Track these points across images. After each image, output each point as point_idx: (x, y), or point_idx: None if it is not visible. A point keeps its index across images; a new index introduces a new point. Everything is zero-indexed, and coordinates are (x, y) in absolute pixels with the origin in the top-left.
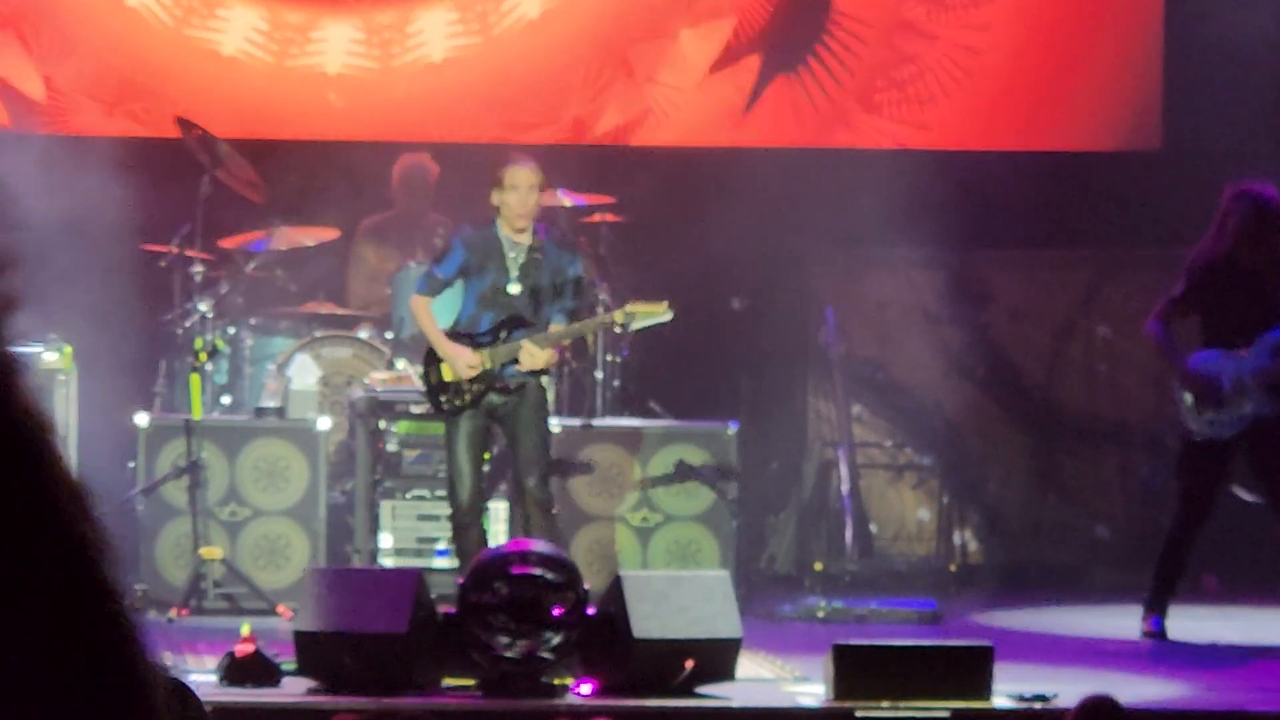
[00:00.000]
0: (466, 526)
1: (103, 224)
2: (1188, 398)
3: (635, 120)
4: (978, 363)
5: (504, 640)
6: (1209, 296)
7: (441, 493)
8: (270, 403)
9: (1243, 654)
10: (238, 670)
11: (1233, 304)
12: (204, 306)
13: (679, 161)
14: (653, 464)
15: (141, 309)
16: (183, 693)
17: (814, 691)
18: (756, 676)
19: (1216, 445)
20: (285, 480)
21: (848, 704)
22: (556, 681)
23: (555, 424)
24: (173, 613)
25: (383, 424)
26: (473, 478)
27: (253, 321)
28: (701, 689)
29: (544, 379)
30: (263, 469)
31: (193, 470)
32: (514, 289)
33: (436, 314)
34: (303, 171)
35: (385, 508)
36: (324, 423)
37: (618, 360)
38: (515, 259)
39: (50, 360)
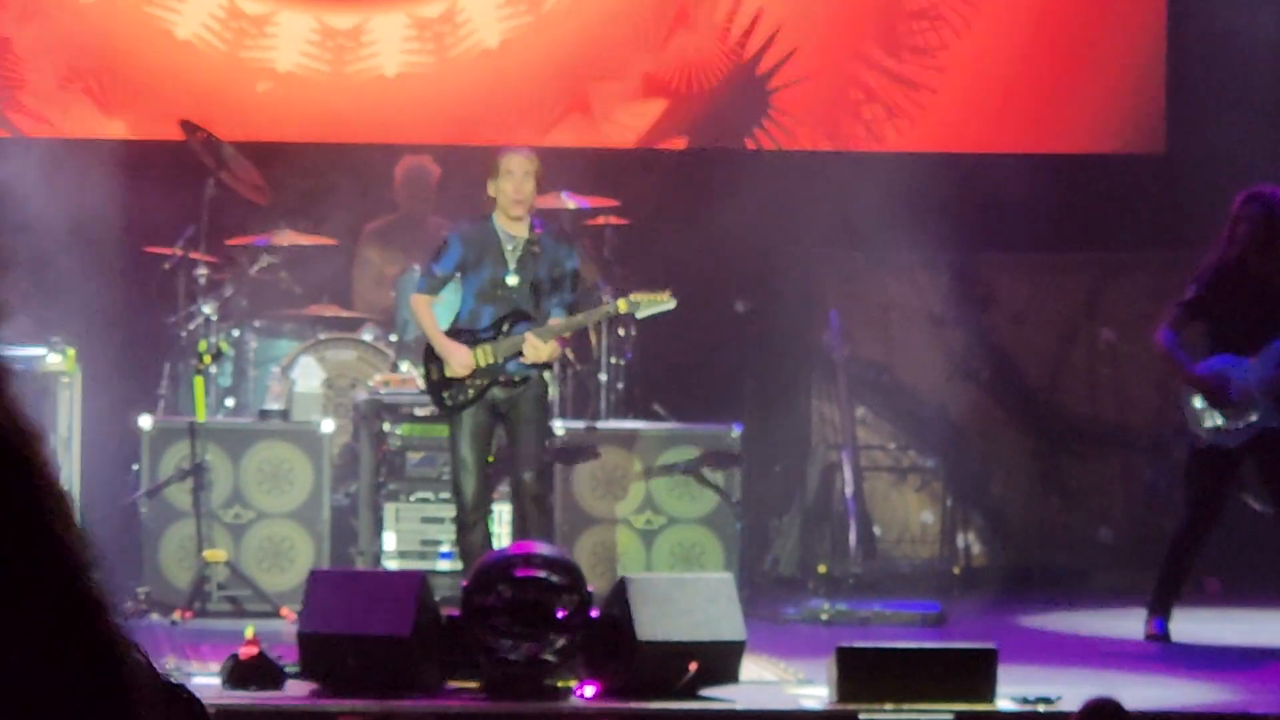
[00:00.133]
0: (471, 525)
1: (106, 227)
2: (1194, 405)
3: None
4: (981, 365)
5: (508, 643)
6: (1218, 302)
7: (445, 495)
8: (274, 405)
9: (1245, 656)
10: (241, 673)
11: (1242, 310)
12: (208, 309)
13: (682, 164)
14: (657, 474)
15: (145, 312)
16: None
17: (817, 694)
18: (760, 679)
19: (1223, 453)
20: (289, 482)
21: (851, 706)
22: (560, 684)
23: (559, 426)
24: (176, 615)
25: (386, 426)
26: (477, 474)
27: (257, 324)
28: (705, 691)
29: (546, 374)
30: (267, 471)
31: (197, 473)
32: (512, 280)
33: (439, 316)
34: (307, 174)
35: (389, 510)
36: (328, 425)
37: (622, 363)
38: (513, 251)
39: (54, 363)
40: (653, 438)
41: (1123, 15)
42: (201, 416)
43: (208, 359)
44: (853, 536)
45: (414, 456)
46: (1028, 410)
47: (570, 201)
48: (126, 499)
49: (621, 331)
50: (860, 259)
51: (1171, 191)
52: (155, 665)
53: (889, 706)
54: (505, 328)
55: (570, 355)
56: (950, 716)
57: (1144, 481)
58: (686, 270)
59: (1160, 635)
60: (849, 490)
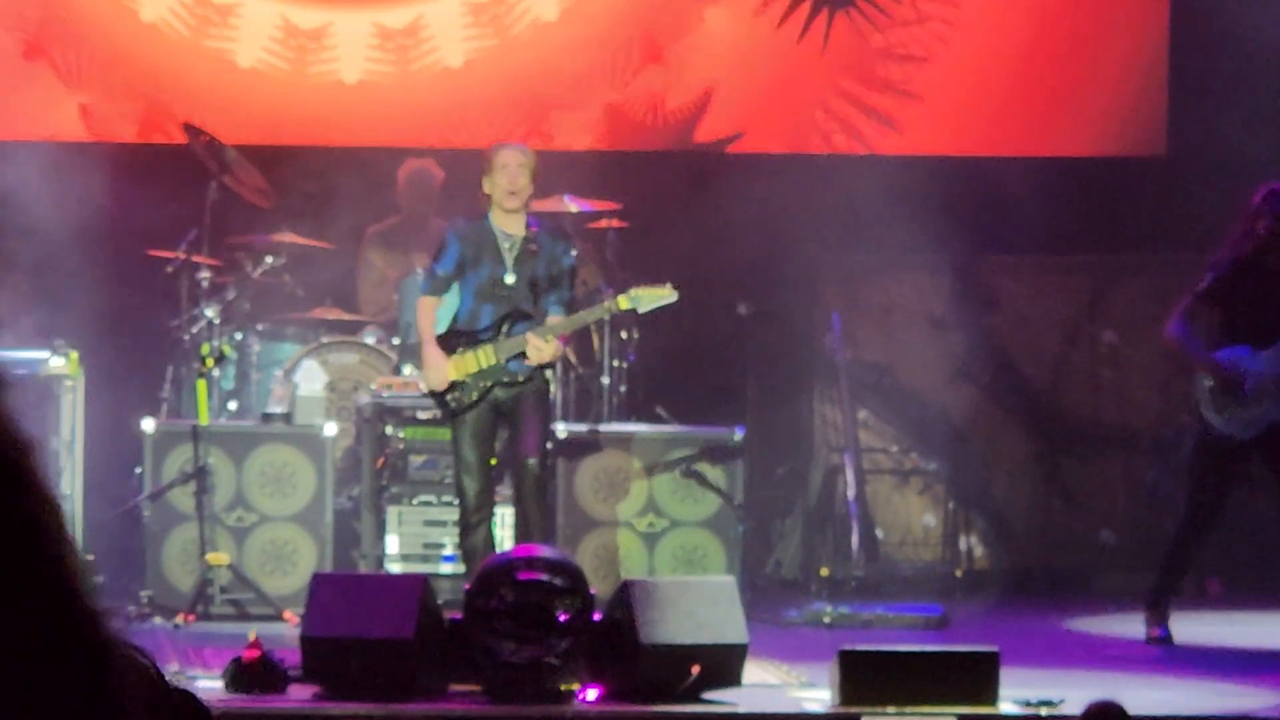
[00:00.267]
0: (473, 527)
1: (109, 230)
2: (1208, 392)
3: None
4: (983, 368)
5: (510, 646)
6: (1234, 295)
7: (448, 498)
8: (277, 408)
9: (1248, 658)
10: (244, 676)
11: (1258, 304)
12: (211, 312)
13: (684, 166)
14: (659, 469)
15: (148, 315)
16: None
17: (820, 697)
18: (763, 682)
19: (1232, 446)
20: (292, 486)
21: (854, 709)
22: (563, 687)
23: (561, 429)
24: (179, 618)
25: (389, 429)
26: (480, 475)
27: (260, 327)
28: (708, 695)
29: (548, 373)
30: (269, 475)
31: (199, 476)
32: (510, 279)
33: (440, 316)
34: (310, 177)
35: (392, 513)
36: (331, 428)
37: (624, 365)
38: (510, 250)
39: (57, 366)
40: (655, 440)
41: (1125, 18)
42: (204, 420)
43: (210, 362)
44: (855, 539)
45: (416, 460)
46: (1030, 412)
47: (572, 204)
48: (129, 502)
49: (624, 334)
50: (862, 262)
51: (1173, 194)
52: (161, 672)
53: (891, 709)
54: (505, 328)
55: (573, 358)
56: (952, 719)
57: (1146, 483)
58: (689, 273)
59: (1164, 638)
60: (851, 493)
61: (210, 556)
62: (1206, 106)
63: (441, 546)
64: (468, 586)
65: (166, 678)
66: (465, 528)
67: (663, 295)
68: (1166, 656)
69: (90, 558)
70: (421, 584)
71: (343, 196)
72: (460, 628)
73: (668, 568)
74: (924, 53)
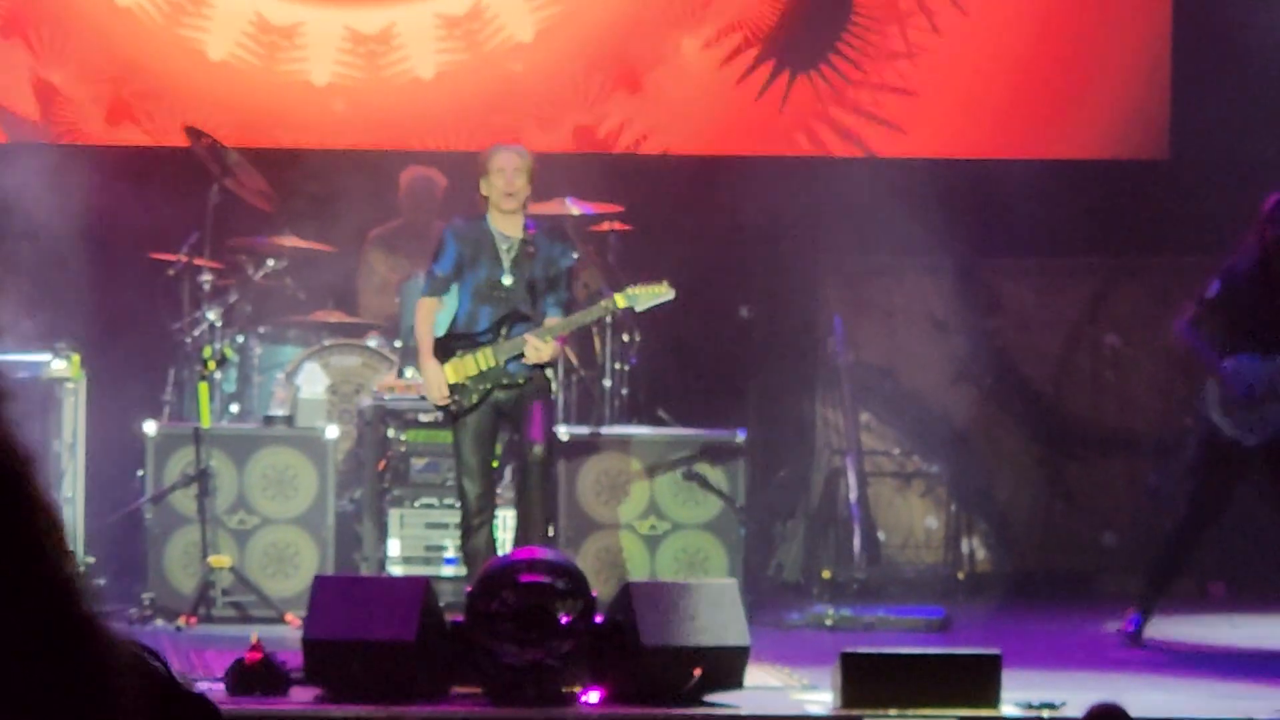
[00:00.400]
0: (475, 529)
1: (112, 233)
2: (1216, 395)
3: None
4: (985, 371)
5: (512, 648)
6: (1242, 302)
7: (450, 500)
8: (279, 411)
9: (1250, 661)
10: (246, 678)
11: (1264, 311)
12: (213, 315)
13: (686, 170)
14: (661, 472)
15: (150, 317)
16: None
17: (822, 699)
18: (764, 685)
19: (1237, 450)
20: (294, 488)
21: (856, 712)
22: (564, 689)
23: (563, 432)
24: (181, 621)
25: (391, 432)
26: (482, 476)
27: (261, 330)
28: (709, 697)
29: (549, 372)
30: (271, 477)
31: (201, 479)
32: (507, 281)
33: (440, 323)
34: (313, 180)
35: (393, 516)
36: (332, 431)
37: (626, 368)
38: (508, 251)
39: (59, 368)
40: (657, 443)
41: (1127, 21)
42: (206, 422)
43: (212, 365)
44: (857, 542)
45: (418, 462)
46: (1032, 415)
47: (574, 207)
48: (131, 505)
49: (626, 337)
50: (864, 264)
51: (1175, 197)
52: (173, 675)
53: (893, 712)
54: (504, 330)
55: (574, 361)
56: None
57: (1148, 486)
58: (691, 276)
59: (1134, 633)
60: (853, 495)
61: (212, 559)
62: (1209, 109)
63: (443, 549)
64: (469, 589)
65: (179, 681)
66: (466, 530)
67: (660, 293)
68: (1168, 659)
69: (92, 560)
70: (423, 586)
71: (345, 199)
72: (462, 630)
73: (669, 570)
74: (930, 50)
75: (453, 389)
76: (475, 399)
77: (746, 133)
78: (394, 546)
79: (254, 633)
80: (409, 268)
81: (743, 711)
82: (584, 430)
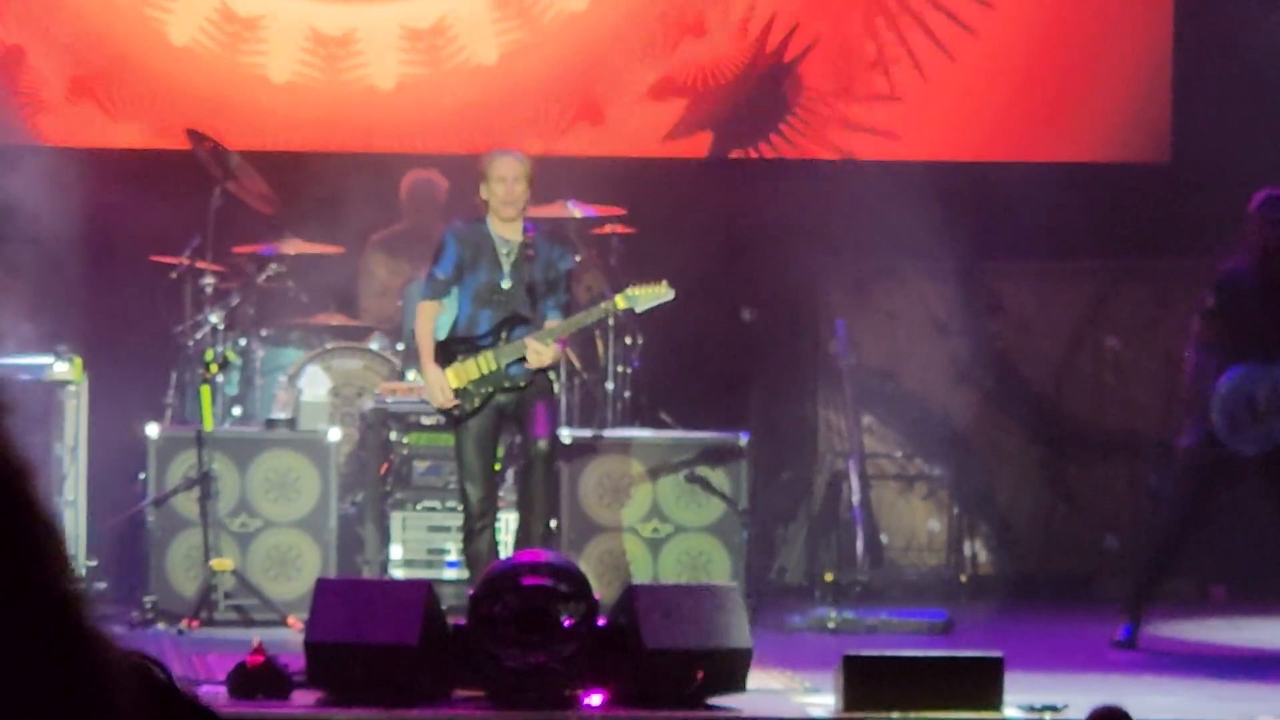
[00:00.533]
0: (477, 533)
1: (114, 236)
2: (1221, 405)
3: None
4: (987, 373)
5: (514, 651)
6: (1241, 309)
7: (452, 504)
8: (281, 414)
9: (1251, 663)
10: (248, 682)
11: (1263, 317)
12: (215, 318)
13: (689, 172)
14: (663, 475)
15: (152, 320)
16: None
17: (824, 702)
18: (767, 687)
19: (1235, 459)
20: (296, 491)
21: (858, 715)
22: (567, 692)
23: (565, 435)
24: (183, 624)
25: (393, 435)
26: (484, 480)
27: (263, 333)
28: (712, 700)
29: (550, 374)
30: (273, 480)
31: (203, 481)
32: (506, 285)
33: (441, 326)
34: (315, 183)
35: (396, 519)
36: (335, 434)
37: (628, 371)
38: (507, 255)
39: (61, 371)
40: (659, 446)
41: (1129, 24)
42: (208, 425)
43: (214, 368)
44: (859, 544)
45: (421, 465)
46: (1033, 418)
47: (577, 210)
48: (133, 508)
49: (628, 339)
50: (866, 267)
51: (1176, 200)
52: (175, 684)
53: (896, 715)
54: (504, 334)
55: (577, 364)
56: None
57: (1149, 488)
58: (693, 279)
59: (1126, 641)
60: (856, 498)
61: (214, 562)
62: (1210, 112)
63: (445, 552)
64: (472, 592)
65: (181, 691)
66: (469, 534)
67: (659, 293)
68: (1170, 661)
69: (94, 563)
70: (425, 590)
71: (347, 202)
72: (464, 633)
73: (672, 573)
74: (931, 52)
75: (455, 393)
76: (477, 403)
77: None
78: (396, 550)
79: (256, 636)
80: (410, 271)
81: (745, 714)
82: (586, 433)
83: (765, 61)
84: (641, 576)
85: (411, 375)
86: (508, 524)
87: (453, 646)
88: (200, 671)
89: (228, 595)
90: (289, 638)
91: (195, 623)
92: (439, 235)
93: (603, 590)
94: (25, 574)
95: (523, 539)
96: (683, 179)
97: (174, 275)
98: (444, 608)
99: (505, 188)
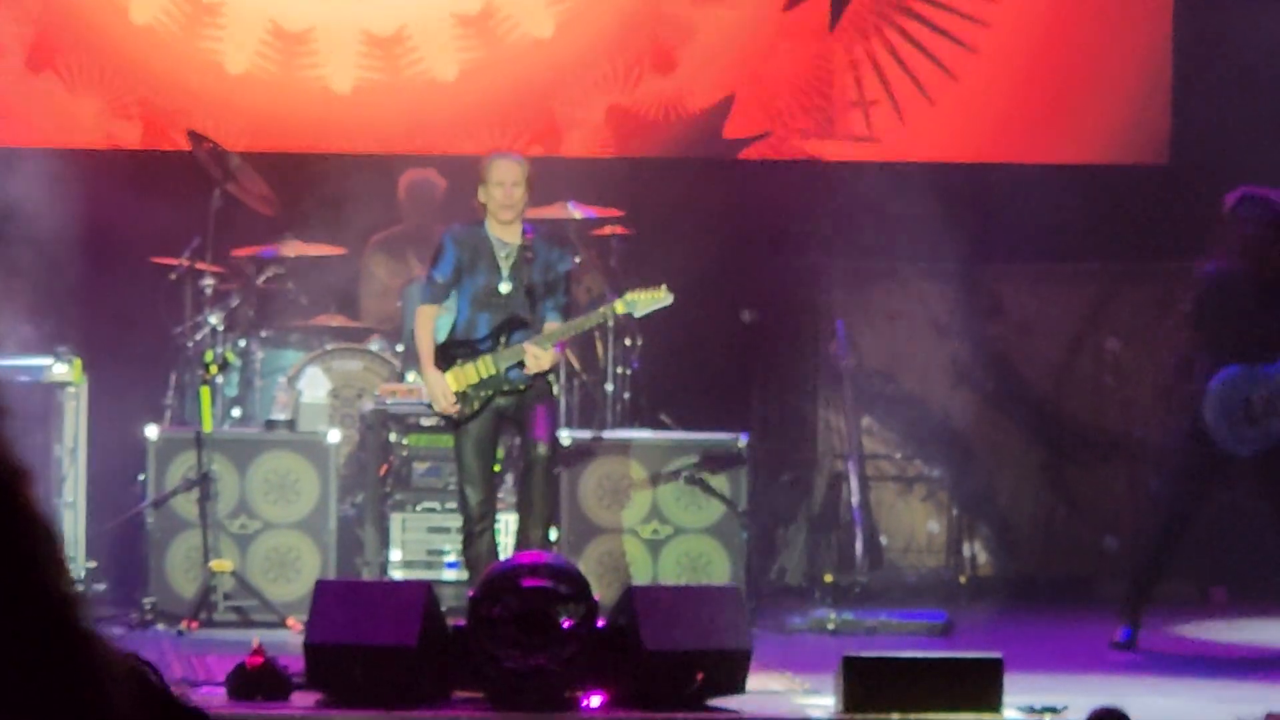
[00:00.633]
0: (477, 535)
1: (113, 237)
2: (1216, 405)
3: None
4: (987, 375)
5: (514, 653)
6: (1227, 311)
7: (451, 505)
8: (281, 415)
9: (1252, 665)
10: (247, 683)
11: (1253, 317)
12: (214, 319)
13: (689, 174)
14: (664, 482)
15: (152, 322)
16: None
17: (824, 704)
18: (766, 689)
19: (1227, 458)
20: (295, 493)
21: (858, 716)
22: (566, 694)
23: (565, 436)
24: (183, 625)
25: (393, 436)
26: (483, 483)
27: (263, 334)
28: (711, 701)
29: (550, 377)
30: (273, 482)
31: (203, 483)
32: (505, 288)
33: (440, 329)
34: (315, 185)
35: (395, 520)
36: (334, 435)
37: (628, 373)
38: (506, 258)
39: (61, 373)
40: (659, 447)
41: (1128, 27)
42: (208, 427)
43: (214, 369)
44: (859, 546)
45: (420, 467)
46: (1033, 419)
47: (576, 211)
48: (132, 509)
49: (628, 341)
50: (866, 268)
51: (1176, 202)
52: (169, 689)
53: (895, 716)
54: (503, 337)
55: (577, 365)
56: None
57: (1149, 490)
58: (692, 280)
59: (1126, 643)
60: (855, 499)
61: (214, 563)
62: (1210, 114)
63: (445, 553)
64: (471, 593)
65: (175, 695)
66: (468, 536)
67: (659, 298)
68: (1170, 663)
69: (93, 565)
70: (425, 591)
71: (347, 203)
72: (464, 635)
73: (672, 574)
74: (933, 54)
75: (455, 396)
76: (476, 406)
77: (767, 111)
78: (396, 551)
79: (255, 637)
80: (410, 272)
81: (745, 715)
82: (586, 435)
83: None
84: (641, 578)
85: (411, 377)
86: (507, 525)
87: (452, 648)
88: (200, 673)
89: (227, 596)
90: (288, 639)
91: (195, 624)
92: (436, 236)
93: (602, 592)
94: (22, 577)
95: (521, 543)
96: (682, 180)
97: (174, 276)
98: (443, 609)
99: (504, 191)
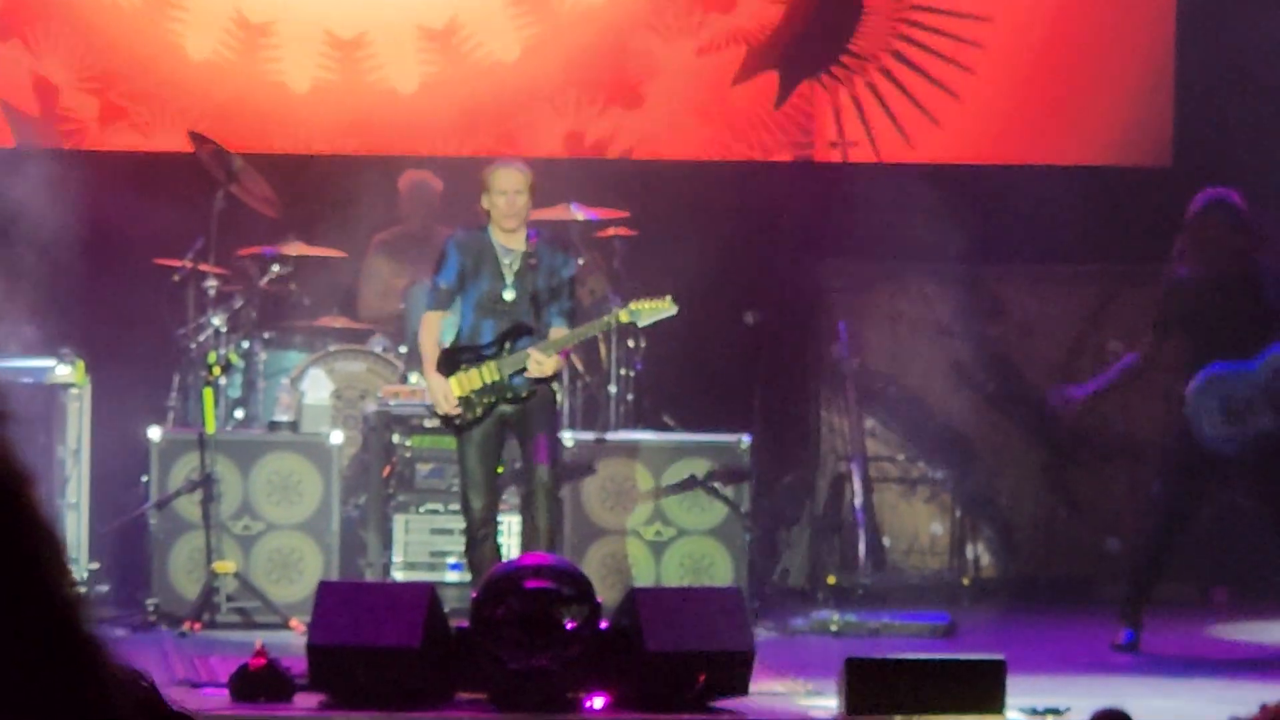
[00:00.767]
0: (480, 540)
1: (116, 239)
2: (1198, 405)
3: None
4: (989, 377)
5: (517, 654)
6: (1200, 315)
7: (454, 507)
8: (283, 417)
9: (1254, 666)
10: (250, 684)
11: (1228, 318)
12: (217, 321)
13: (691, 175)
14: (666, 477)
15: (155, 323)
16: None
17: (826, 705)
18: (769, 690)
19: (1216, 458)
20: (298, 494)
21: (860, 718)
22: (569, 695)
23: (569, 438)
24: (185, 626)
25: (396, 438)
26: (486, 489)
27: (266, 336)
28: (714, 702)
29: (554, 384)
30: (276, 483)
31: (206, 484)
32: (509, 295)
33: (445, 332)
34: (318, 186)
35: (398, 522)
36: (337, 437)
37: (631, 374)
38: (510, 265)
39: (64, 374)
40: (662, 449)
41: (1131, 28)
42: (211, 428)
43: (217, 370)
44: (862, 547)
45: (423, 468)
46: (1035, 421)
47: (579, 213)
48: (135, 510)
49: (631, 343)
50: (869, 270)
51: (1178, 204)
52: (163, 697)
53: (898, 718)
54: (508, 344)
55: (580, 367)
56: None
57: (1151, 492)
58: (695, 281)
59: (1129, 645)
60: (858, 501)
61: (217, 565)
62: (1212, 116)
63: (448, 555)
64: (474, 594)
65: (168, 703)
66: (471, 542)
67: (663, 308)
68: (1172, 664)
69: (96, 566)
70: (428, 592)
71: (350, 205)
72: (467, 636)
73: (675, 576)
74: (935, 56)
75: (458, 402)
76: (480, 412)
77: (743, 140)
78: (398, 552)
79: (258, 639)
80: (413, 273)
81: (747, 717)
82: (589, 436)
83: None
84: (644, 579)
85: (414, 378)
86: (510, 527)
87: (455, 649)
88: (202, 674)
89: (230, 598)
90: (291, 640)
91: (197, 625)
92: (438, 236)
93: (605, 593)
94: (25, 580)
95: None
96: (685, 181)
97: (177, 278)
98: (446, 610)
99: (507, 200)
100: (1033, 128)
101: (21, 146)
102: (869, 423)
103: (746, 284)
